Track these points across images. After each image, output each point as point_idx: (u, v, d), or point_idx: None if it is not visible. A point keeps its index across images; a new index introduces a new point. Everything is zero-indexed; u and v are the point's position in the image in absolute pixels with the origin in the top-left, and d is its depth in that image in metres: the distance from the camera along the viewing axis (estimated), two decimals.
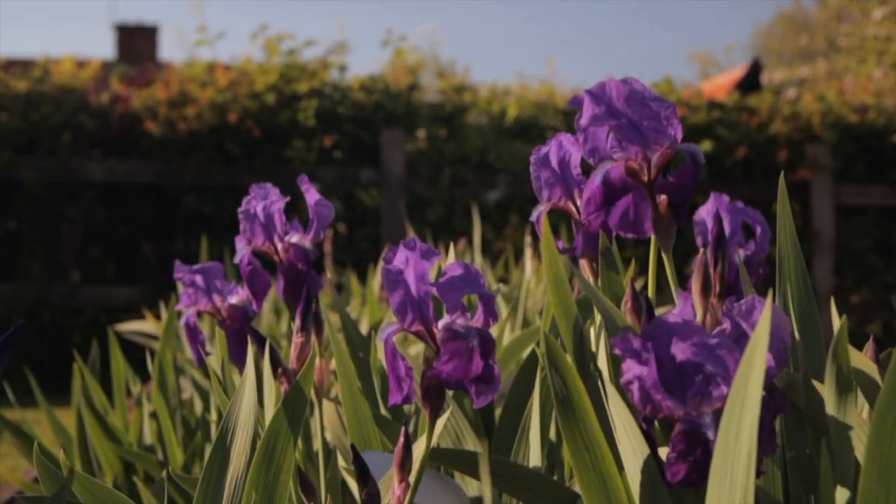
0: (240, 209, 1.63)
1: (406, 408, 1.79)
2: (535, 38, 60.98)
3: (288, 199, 1.63)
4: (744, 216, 1.64)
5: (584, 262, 1.41)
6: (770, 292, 0.92)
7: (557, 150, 1.42)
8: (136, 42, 19.83)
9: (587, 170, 1.38)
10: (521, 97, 8.25)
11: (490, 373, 1.17)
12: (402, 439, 1.20)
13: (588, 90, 1.25)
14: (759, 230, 1.67)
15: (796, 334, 1.26)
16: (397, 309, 1.19)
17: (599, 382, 1.23)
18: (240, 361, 1.69)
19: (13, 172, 7.10)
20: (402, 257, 1.20)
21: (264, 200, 1.63)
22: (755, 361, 0.89)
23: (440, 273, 1.29)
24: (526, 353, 2.20)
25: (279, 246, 1.63)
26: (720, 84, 16.06)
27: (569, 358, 1.24)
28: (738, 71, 17.40)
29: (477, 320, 1.19)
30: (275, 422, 1.26)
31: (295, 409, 1.27)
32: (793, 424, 1.22)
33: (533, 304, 3.13)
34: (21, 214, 7.44)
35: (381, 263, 4.09)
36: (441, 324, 1.19)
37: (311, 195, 1.61)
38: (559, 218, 2.03)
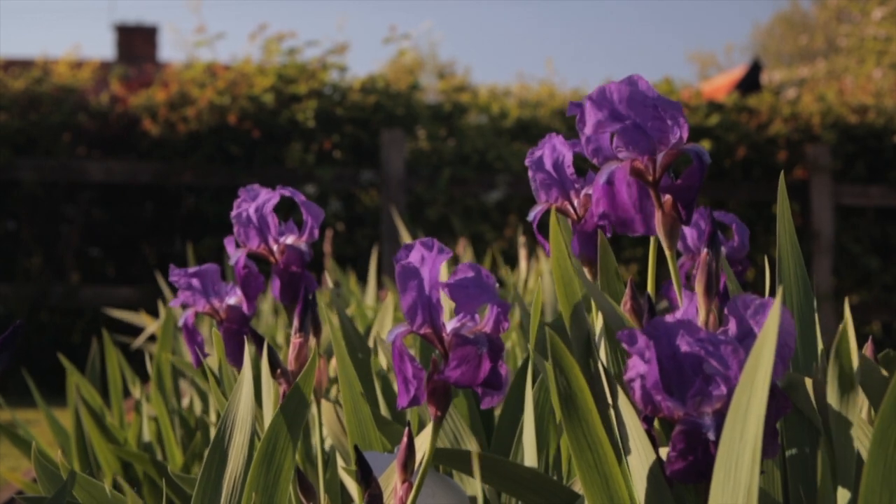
0: (232, 213, 1.63)
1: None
2: (534, 38, 60.99)
3: (278, 195, 1.62)
4: (721, 219, 1.65)
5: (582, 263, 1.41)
6: (780, 290, 0.91)
7: (551, 152, 1.42)
8: (136, 42, 19.85)
9: (580, 168, 1.38)
10: (520, 98, 8.25)
11: (497, 378, 1.15)
12: (405, 439, 1.19)
13: (589, 96, 1.23)
14: (735, 227, 1.69)
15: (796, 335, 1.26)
16: (408, 310, 1.16)
17: (605, 381, 1.22)
18: (238, 362, 1.69)
19: (12, 172, 7.10)
20: (417, 256, 1.16)
21: (255, 202, 1.62)
22: (763, 357, 0.89)
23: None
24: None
25: (274, 248, 1.63)
26: (720, 84, 16.07)
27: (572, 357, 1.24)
28: (737, 71, 17.41)
29: (486, 325, 1.17)
30: (275, 423, 1.26)
31: (296, 410, 1.26)
32: (793, 424, 1.22)
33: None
34: (20, 214, 7.43)
35: (372, 263, 4.05)
36: (450, 327, 1.17)
37: (298, 196, 1.61)
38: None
